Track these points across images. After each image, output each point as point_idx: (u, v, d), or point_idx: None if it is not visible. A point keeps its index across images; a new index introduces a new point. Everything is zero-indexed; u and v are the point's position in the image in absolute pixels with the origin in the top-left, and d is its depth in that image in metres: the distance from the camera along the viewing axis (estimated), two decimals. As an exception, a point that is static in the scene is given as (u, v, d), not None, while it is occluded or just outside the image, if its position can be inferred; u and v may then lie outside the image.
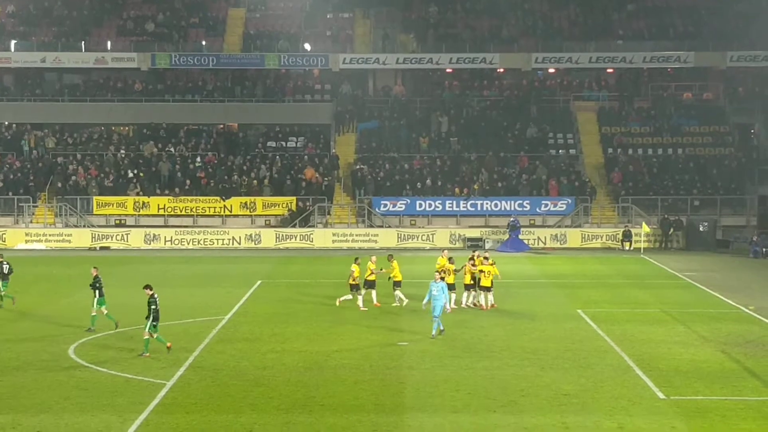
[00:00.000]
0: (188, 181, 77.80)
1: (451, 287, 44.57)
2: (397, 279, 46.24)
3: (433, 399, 29.69)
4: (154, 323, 35.35)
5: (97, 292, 40.62)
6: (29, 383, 31.42)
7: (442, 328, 38.73)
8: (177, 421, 27.19)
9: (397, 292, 46.08)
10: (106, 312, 40.41)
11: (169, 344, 35.77)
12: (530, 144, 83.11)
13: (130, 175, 78.69)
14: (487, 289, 45.43)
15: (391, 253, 50.90)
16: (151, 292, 35.65)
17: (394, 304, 45.77)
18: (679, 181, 78.70)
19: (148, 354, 35.06)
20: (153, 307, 35.40)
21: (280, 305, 46.76)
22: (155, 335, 35.45)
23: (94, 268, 41.58)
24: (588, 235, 74.11)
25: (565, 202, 76.51)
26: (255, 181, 78.19)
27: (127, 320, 42.16)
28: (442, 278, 40.59)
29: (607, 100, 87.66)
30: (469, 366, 33.96)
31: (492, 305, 45.46)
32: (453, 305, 44.72)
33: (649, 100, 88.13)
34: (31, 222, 76.36)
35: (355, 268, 45.68)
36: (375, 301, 45.82)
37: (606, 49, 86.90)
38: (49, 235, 74.20)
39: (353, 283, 45.75)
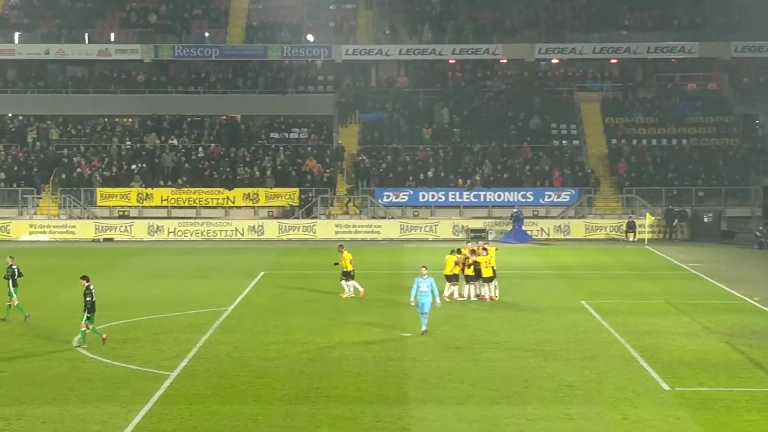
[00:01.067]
0: (184, 178, 77.77)
1: (454, 278, 44.85)
2: (347, 270, 46.39)
3: (436, 390, 29.69)
4: (89, 315, 35.18)
5: (10, 281, 40.78)
6: (33, 374, 31.45)
7: (424, 328, 37.22)
8: (181, 412, 27.22)
9: (352, 283, 46.35)
10: (17, 303, 40.53)
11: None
12: (533, 135, 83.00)
13: (134, 166, 78.68)
14: (489, 280, 45.36)
15: (342, 243, 50.82)
16: (87, 284, 35.57)
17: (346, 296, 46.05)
18: (683, 171, 78.57)
19: (86, 346, 35.05)
20: (88, 299, 35.27)
21: (283, 296, 46.78)
22: (91, 327, 35.34)
23: (10, 257, 41.91)
24: (592, 226, 74.03)
25: (569, 193, 76.44)
26: (258, 173, 78.15)
27: (131, 312, 42.25)
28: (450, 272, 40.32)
29: (611, 90, 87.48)
30: (472, 357, 33.95)
31: (492, 297, 45.33)
32: (457, 297, 44.88)
33: (653, 91, 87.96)
34: (35, 214, 76.38)
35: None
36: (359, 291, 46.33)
37: (610, 39, 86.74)
38: (53, 226, 74.22)
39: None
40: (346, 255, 46.47)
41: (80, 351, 34.65)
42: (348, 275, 46.44)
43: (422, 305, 37.24)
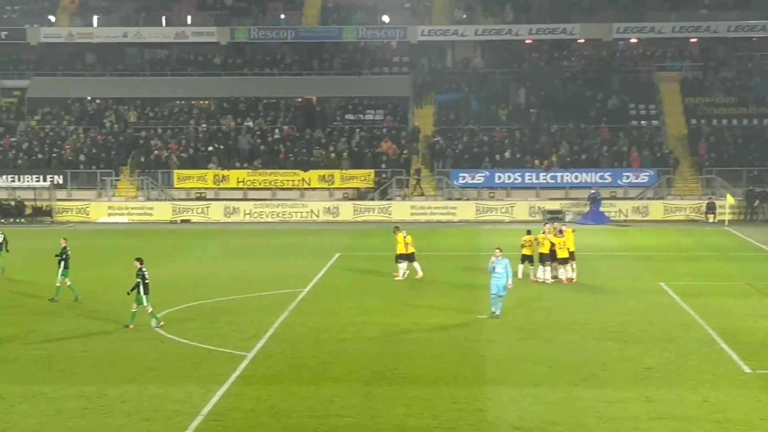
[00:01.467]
0: (260, 160, 78.07)
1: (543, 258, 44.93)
2: (403, 252, 46.29)
3: (512, 372, 29.53)
4: (142, 296, 35.27)
5: (62, 263, 41.04)
6: (114, 354, 31.76)
7: (498, 312, 36.73)
8: (258, 393, 27.32)
9: (415, 264, 46.26)
10: (69, 284, 40.87)
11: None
12: (611, 115, 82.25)
13: (210, 148, 79.15)
14: (564, 262, 45.00)
15: (397, 225, 50.56)
16: (140, 266, 35.48)
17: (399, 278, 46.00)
18: (764, 151, 77.42)
19: (132, 326, 35.34)
20: (139, 280, 35.29)
21: (358, 278, 46.82)
22: (139, 308, 35.37)
23: (64, 239, 42.22)
24: (671, 208, 73.28)
25: (648, 173, 75.70)
26: (333, 154, 78.25)
27: (208, 293, 42.52)
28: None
29: (691, 70, 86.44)
30: (549, 339, 33.73)
31: (569, 279, 45.02)
32: (535, 278, 44.71)
33: (733, 70, 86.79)
34: (113, 196, 77.15)
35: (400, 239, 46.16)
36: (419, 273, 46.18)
37: (689, 18, 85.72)
38: (131, 208, 74.95)
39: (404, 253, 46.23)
40: (400, 237, 46.33)
41: (158, 331, 34.93)
42: (407, 257, 46.27)
43: (496, 287, 36.74)
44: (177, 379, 28.79)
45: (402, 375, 29.14)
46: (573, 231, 46.44)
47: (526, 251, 45.46)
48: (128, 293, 36.01)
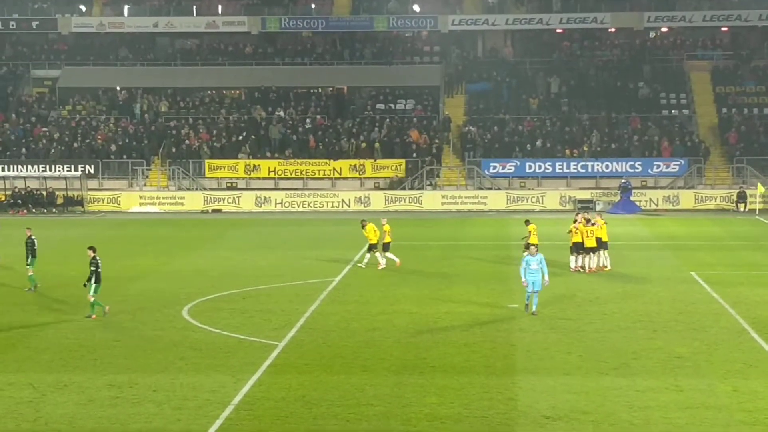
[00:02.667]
0: (291, 149, 78.20)
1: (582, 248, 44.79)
2: (385, 241, 46.49)
3: (543, 361, 29.53)
4: (95, 285, 35.19)
5: (29, 253, 40.65)
6: (145, 344, 31.90)
7: (534, 309, 35.56)
8: (289, 382, 27.41)
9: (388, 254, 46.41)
10: (31, 273, 40.46)
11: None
12: (642, 104, 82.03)
13: (241, 138, 79.34)
14: (592, 251, 44.82)
15: (365, 219, 50.32)
16: (93, 254, 35.43)
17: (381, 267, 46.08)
18: (795, 141, 77.17)
19: (94, 316, 35.25)
20: (93, 268, 35.15)
21: (389, 267, 46.83)
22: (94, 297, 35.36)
23: (28, 228, 41.70)
24: (701, 197, 73.06)
25: (678, 163, 75.47)
26: (364, 144, 78.32)
27: (239, 282, 42.66)
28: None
29: (722, 59, 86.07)
30: (580, 329, 33.70)
31: (601, 267, 44.88)
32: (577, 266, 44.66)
33: (765, 59, 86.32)
34: (144, 185, 77.50)
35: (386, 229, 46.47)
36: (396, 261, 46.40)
37: (720, 7, 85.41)
38: (163, 198, 75.29)
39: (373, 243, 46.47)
40: (370, 227, 46.50)
41: (190, 320, 35.09)
42: (379, 247, 46.38)
43: (532, 284, 35.57)
44: (208, 368, 28.91)
45: (432, 364, 29.18)
46: (605, 222, 46.16)
47: (532, 240, 45.44)
48: (84, 285, 35.87)
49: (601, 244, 45.09)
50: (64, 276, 44.58)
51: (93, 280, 35.37)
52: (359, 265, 46.70)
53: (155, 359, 29.99)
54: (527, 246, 41.80)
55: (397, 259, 46.40)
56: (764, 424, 23.92)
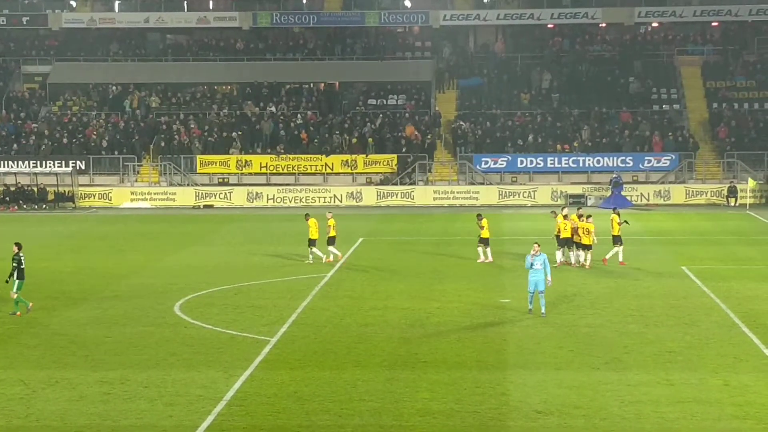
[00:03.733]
0: (282, 145, 78.15)
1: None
2: (313, 237, 46.54)
3: (535, 356, 29.58)
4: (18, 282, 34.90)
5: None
6: (137, 339, 31.89)
7: (543, 310, 34.68)
8: (281, 377, 27.42)
9: (314, 250, 46.54)
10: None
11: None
12: (633, 99, 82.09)
13: (233, 134, 79.27)
14: (587, 248, 44.81)
15: (308, 213, 50.13)
16: (17, 250, 35.17)
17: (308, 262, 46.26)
18: (786, 135, 77.26)
19: (19, 313, 35.05)
20: (15, 264, 34.89)
21: (381, 262, 46.87)
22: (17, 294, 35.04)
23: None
24: (692, 191, 73.17)
25: (669, 157, 75.55)
26: (356, 139, 78.32)
27: (231, 278, 42.64)
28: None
29: (712, 54, 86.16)
30: (571, 323, 33.75)
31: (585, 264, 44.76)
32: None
33: (755, 54, 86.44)
34: (136, 181, 77.41)
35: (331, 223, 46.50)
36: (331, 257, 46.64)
37: (711, 2, 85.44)
38: (154, 193, 75.22)
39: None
40: (312, 222, 46.64)
41: (181, 316, 35.08)
42: (329, 241, 46.59)
43: (536, 283, 34.79)
44: (200, 364, 28.91)
45: (424, 359, 29.21)
46: (585, 216, 45.88)
47: (483, 234, 45.98)
48: (6, 281, 35.71)
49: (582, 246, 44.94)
50: (56, 272, 44.59)
51: (15, 276, 35.12)
52: (306, 261, 46.59)
53: (147, 355, 29.99)
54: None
55: (339, 253, 46.65)
56: (755, 418, 23.99)
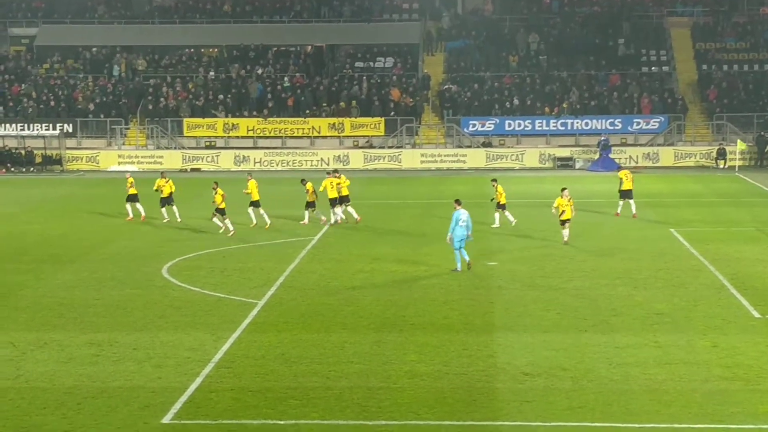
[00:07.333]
0: (269, 107, 77.92)
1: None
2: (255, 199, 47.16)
3: (522, 319, 29.63)
4: None
5: None
6: (125, 302, 31.89)
7: (468, 259, 35.88)
8: (269, 340, 27.44)
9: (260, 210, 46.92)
10: None
11: None
12: (622, 61, 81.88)
13: (219, 97, 78.93)
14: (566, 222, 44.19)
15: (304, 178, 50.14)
16: None
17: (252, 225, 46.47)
18: (775, 97, 77.17)
19: None
20: None
21: (368, 226, 46.83)
22: None
23: None
24: (681, 154, 73.14)
25: (658, 120, 75.45)
26: (343, 102, 78.07)
27: (218, 241, 42.62)
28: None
29: (702, 15, 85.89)
30: (558, 286, 33.79)
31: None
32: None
33: (745, 15, 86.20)
34: (123, 144, 77.15)
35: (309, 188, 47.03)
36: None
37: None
38: (141, 156, 74.96)
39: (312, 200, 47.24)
40: (309, 186, 47.11)
41: (169, 279, 35.04)
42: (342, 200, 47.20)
43: (457, 238, 35.71)
44: (188, 326, 28.94)
45: (412, 322, 29.25)
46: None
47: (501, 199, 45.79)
48: None
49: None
50: (44, 235, 44.54)
51: None
52: (301, 222, 47.03)
53: (135, 317, 30.01)
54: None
55: (321, 219, 46.95)
56: (743, 379, 24.07)
